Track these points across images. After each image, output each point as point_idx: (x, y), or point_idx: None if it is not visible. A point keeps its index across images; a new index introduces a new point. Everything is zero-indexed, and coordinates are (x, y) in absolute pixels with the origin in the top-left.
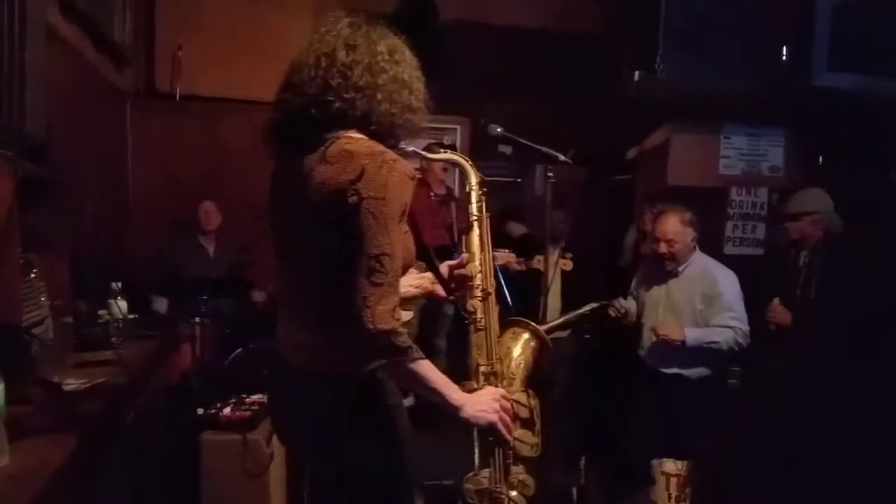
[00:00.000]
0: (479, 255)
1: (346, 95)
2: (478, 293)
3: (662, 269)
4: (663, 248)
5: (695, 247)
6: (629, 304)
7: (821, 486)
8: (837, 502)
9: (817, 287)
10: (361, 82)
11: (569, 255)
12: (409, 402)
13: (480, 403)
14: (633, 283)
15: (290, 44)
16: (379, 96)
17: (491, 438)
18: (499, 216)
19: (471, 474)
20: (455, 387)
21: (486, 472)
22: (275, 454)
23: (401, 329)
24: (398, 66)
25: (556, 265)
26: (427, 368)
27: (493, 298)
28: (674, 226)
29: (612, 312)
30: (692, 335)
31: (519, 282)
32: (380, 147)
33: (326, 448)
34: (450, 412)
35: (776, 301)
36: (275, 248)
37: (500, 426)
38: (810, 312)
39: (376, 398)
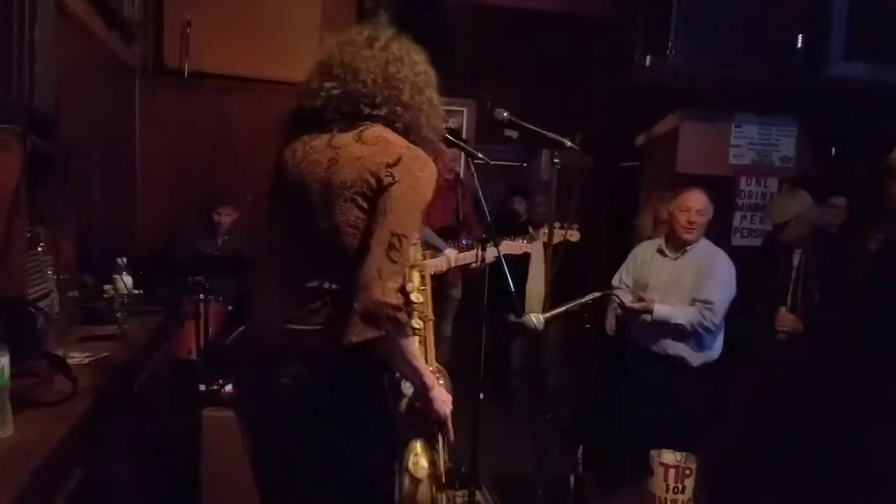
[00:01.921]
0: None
1: (397, 109)
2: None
3: (671, 246)
4: (694, 216)
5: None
6: (622, 295)
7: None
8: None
9: (818, 286)
10: (408, 99)
11: (575, 225)
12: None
13: (445, 395)
14: (624, 272)
15: (298, 23)
16: (421, 118)
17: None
18: (504, 195)
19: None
20: (427, 376)
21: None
22: None
23: (402, 303)
24: (431, 86)
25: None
26: (414, 346)
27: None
28: (703, 198)
29: (628, 302)
30: (660, 311)
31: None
32: (412, 144)
33: (315, 421)
34: (422, 390)
35: (782, 310)
36: (278, 225)
37: (449, 422)
38: (816, 313)
39: (368, 374)
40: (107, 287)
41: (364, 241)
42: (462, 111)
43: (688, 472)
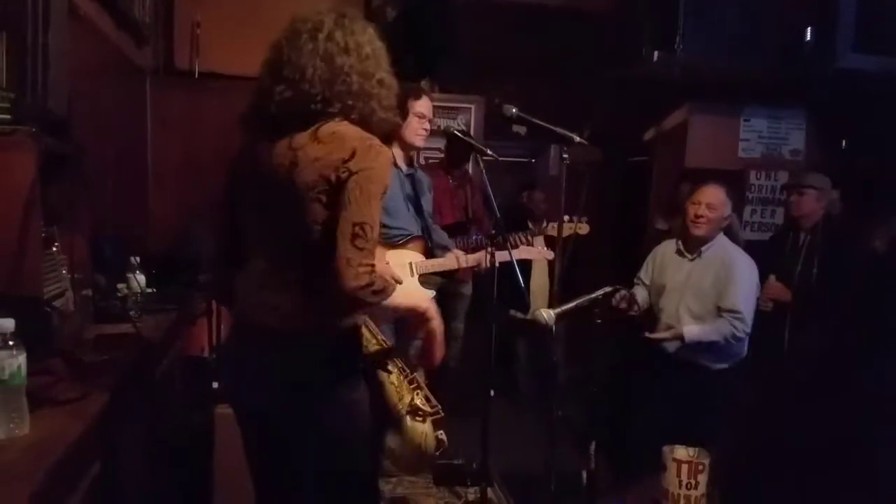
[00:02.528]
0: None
1: (349, 102)
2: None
3: (687, 245)
4: (702, 209)
5: (720, 230)
6: (638, 292)
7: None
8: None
9: (819, 267)
10: (357, 88)
11: (584, 218)
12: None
13: (432, 310)
14: (644, 270)
15: None
16: (373, 103)
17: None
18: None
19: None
20: (415, 296)
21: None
22: None
23: (375, 279)
24: (381, 67)
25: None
26: (399, 296)
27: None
28: (717, 193)
29: (615, 302)
30: (691, 333)
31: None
32: (366, 133)
33: (298, 401)
34: (418, 318)
35: (772, 278)
36: (243, 221)
37: (434, 323)
38: (813, 291)
39: (351, 353)
40: (120, 286)
41: (331, 235)
42: (470, 108)
43: (701, 467)
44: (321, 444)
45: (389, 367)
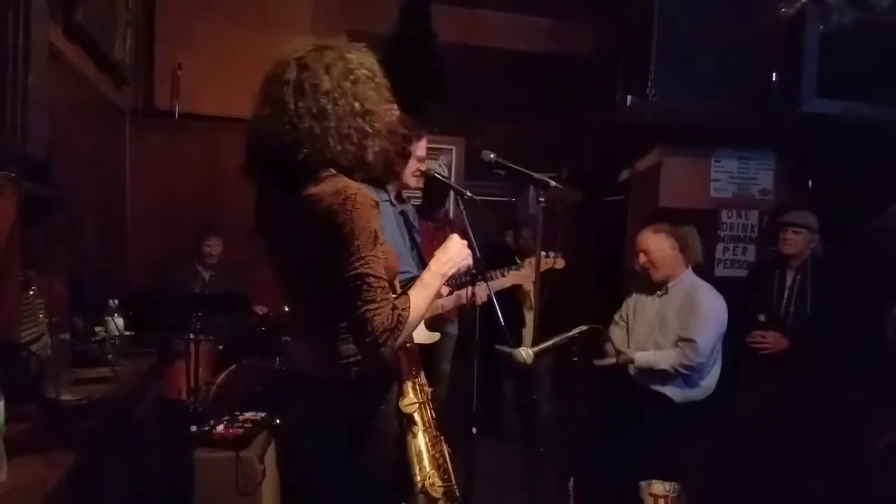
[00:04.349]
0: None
1: (341, 155)
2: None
3: (652, 285)
4: (641, 258)
5: (687, 265)
6: (614, 332)
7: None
8: None
9: (813, 308)
10: (346, 143)
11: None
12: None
13: (455, 254)
14: (622, 309)
15: None
16: (367, 143)
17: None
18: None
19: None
20: (426, 278)
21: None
22: (267, 471)
23: (392, 316)
24: (363, 99)
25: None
26: (415, 302)
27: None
28: (648, 237)
29: (604, 355)
30: (641, 359)
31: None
32: (342, 183)
33: (324, 444)
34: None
35: (762, 317)
36: (275, 269)
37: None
38: (806, 334)
39: (371, 400)
40: (98, 329)
41: (336, 293)
42: (451, 149)
43: (678, 502)
44: (336, 490)
45: (415, 430)
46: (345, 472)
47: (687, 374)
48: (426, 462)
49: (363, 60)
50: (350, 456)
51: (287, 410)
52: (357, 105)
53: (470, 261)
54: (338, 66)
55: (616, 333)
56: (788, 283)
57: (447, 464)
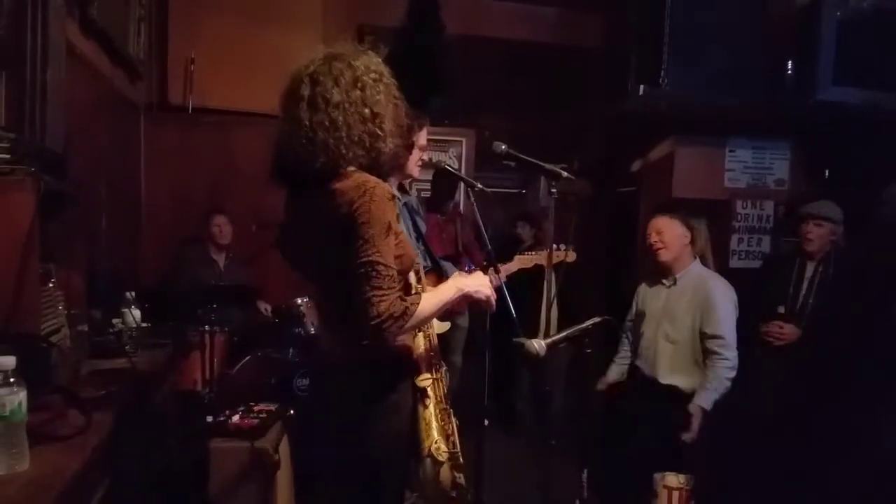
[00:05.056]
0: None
1: (350, 154)
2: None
3: (658, 272)
4: (653, 237)
5: (695, 257)
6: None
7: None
8: None
9: (833, 300)
10: (357, 138)
11: (572, 246)
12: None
13: (478, 282)
14: (632, 309)
15: (299, 59)
16: (379, 145)
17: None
18: (506, 221)
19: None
20: (443, 287)
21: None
22: (281, 462)
23: (399, 305)
24: (373, 103)
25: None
26: (425, 303)
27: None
28: (662, 219)
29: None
30: (706, 400)
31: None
32: (363, 178)
33: (344, 426)
34: (457, 304)
35: (781, 309)
36: (297, 265)
37: (491, 301)
38: (824, 327)
39: (388, 379)
40: (115, 321)
41: (350, 280)
42: (461, 141)
43: (692, 494)
44: (348, 465)
45: (426, 402)
46: (360, 444)
47: (731, 374)
48: (434, 430)
49: (369, 64)
50: (366, 429)
51: (313, 389)
52: (367, 111)
53: (489, 292)
54: (346, 76)
55: (612, 372)
56: (809, 275)
57: (454, 435)
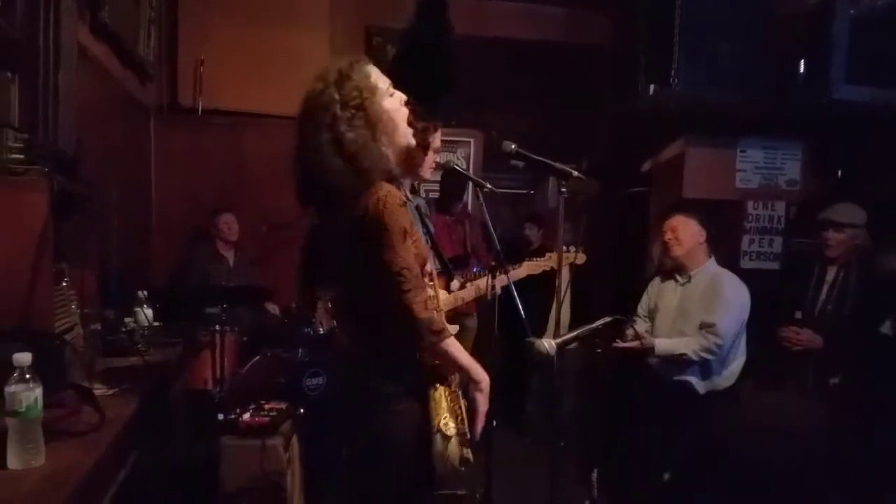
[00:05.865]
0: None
1: (372, 171)
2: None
3: (671, 269)
4: (667, 234)
5: (710, 255)
6: (640, 327)
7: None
8: None
9: (857, 306)
10: (368, 162)
11: (581, 248)
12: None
13: (488, 387)
14: (642, 302)
15: (307, 60)
16: (382, 161)
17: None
18: (515, 222)
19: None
20: (473, 361)
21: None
22: (292, 459)
23: (435, 316)
24: (379, 120)
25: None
26: (456, 347)
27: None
28: (678, 217)
29: (624, 339)
30: (661, 346)
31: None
32: (378, 188)
33: (366, 419)
34: (472, 384)
35: (798, 314)
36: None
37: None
38: (850, 334)
39: (401, 370)
40: (127, 320)
41: (380, 286)
42: (469, 141)
43: None
44: (363, 451)
45: (437, 384)
46: (373, 432)
47: (708, 360)
48: (444, 409)
49: (369, 74)
50: (380, 414)
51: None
52: (372, 129)
53: (486, 392)
54: (353, 97)
55: (640, 326)
56: (829, 279)
57: (463, 415)
